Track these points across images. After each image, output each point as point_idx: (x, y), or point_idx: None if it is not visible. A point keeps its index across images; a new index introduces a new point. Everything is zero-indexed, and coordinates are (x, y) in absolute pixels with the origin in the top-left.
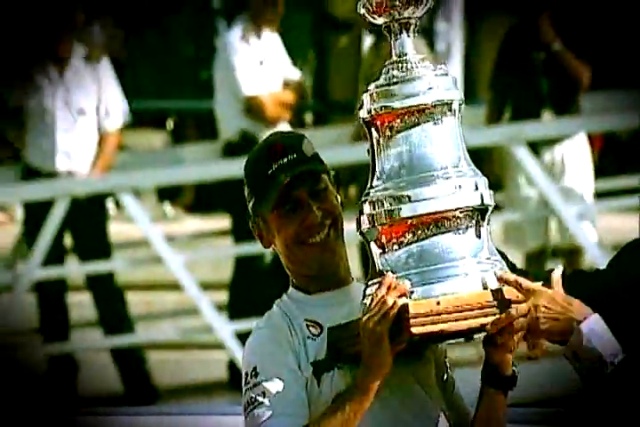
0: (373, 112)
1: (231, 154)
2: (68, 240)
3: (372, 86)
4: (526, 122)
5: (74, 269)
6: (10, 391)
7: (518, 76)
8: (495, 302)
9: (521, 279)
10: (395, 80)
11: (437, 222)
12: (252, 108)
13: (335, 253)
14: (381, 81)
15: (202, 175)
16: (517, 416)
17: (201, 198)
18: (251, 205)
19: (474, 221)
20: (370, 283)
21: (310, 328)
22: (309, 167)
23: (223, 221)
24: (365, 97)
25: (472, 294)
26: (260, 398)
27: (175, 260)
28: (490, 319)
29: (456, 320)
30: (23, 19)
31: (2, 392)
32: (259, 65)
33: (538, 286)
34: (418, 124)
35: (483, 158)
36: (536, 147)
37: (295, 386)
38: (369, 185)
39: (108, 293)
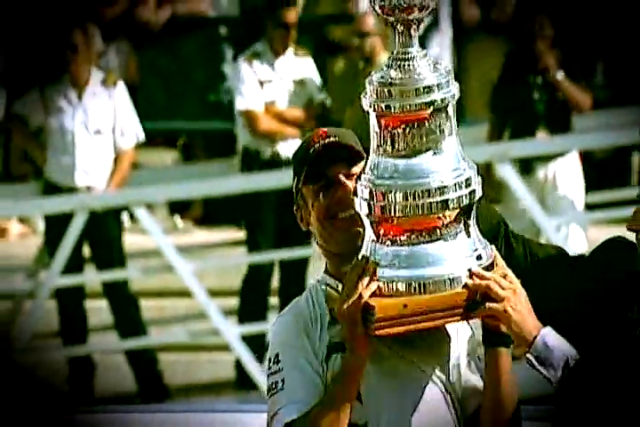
0: (373, 108)
1: (240, 170)
2: (86, 250)
3: (374, 78)
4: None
5: (91, 277)
6: (32, 390)
7: (516, 98)
8: (465, 302)
9: (496, 278)
10: (394, 81)
11: (430, 231)
12: (247, 123)
13: (363, 230)
14: (382, 78)
15: (210, 190)
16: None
17: (209, 212)
18: (294, 184)
19: (462, 225)
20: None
21: (333, 313)
22: (347, 150)
23: (230, 233)
24: (368, 87)
25: (444, 295)
26: (280, 385)
27: (185, 268)
28: (457, 319)
29: (422, 321)
30: (44, 45)
31: (25, 391)
32: (258, 84)
33: (513, 285)
34: (415, 126)
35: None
36: (530, 164)
37: (312, 374)
38: (367, 168)
39: (123, 299)
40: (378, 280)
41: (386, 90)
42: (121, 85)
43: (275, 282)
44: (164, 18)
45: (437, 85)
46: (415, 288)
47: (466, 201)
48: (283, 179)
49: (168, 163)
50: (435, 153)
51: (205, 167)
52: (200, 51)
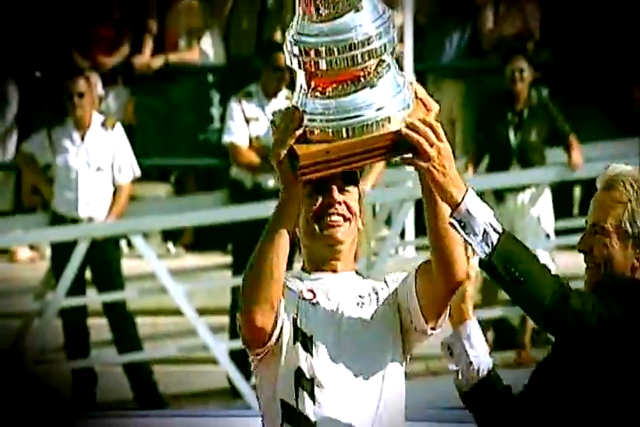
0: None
1: (232, 201)
2: (88, 274)
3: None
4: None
5: (93, 297)
6: (41, 397)
7: (494, 135)
8: (388, 144)
9: (428, 133)
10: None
11: (355, 81)
12: (230, 155)
13: (342, 244)
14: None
15: (199, 220)
16: None
17: (198, 239)
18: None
19: (384, 70)
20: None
21: (304, 293)
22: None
23: (217, 258)
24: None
25: (365, 138)
26: None
27: (177, 290)
28: (378, 159)
29: (345, 164)
30: (51, 90)
31: (34, 398)
32: (244, 121)
33: (442, 144)
34: None
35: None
36: (502, 193)
37: None
38: (294, 31)
39: (121, 317)
40: (306, 127)
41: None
42: (119, 127)
43: None
44: (158, 66)
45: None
46: (343, 134)
47: (389, 47)
48: (264, 210)
49: (162, 195)
50: (356, 11)
51: (195, 199)
52: (190, 95)
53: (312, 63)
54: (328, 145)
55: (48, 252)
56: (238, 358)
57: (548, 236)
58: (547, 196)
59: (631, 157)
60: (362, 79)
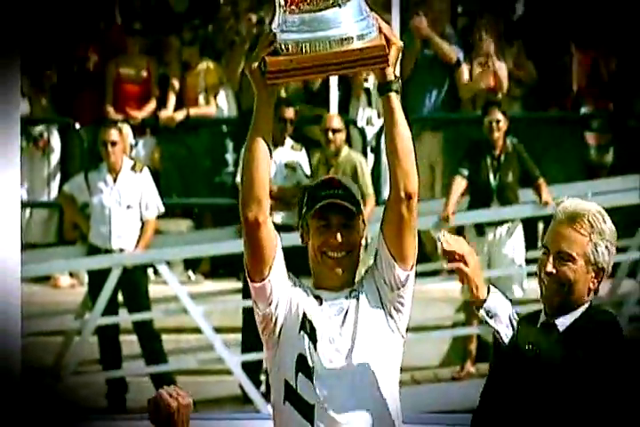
0: None
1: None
2: (120, 297)
3: None
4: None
5: (124, 317)
6: (79, 404)
7: (476, 177)
8: (346, 60)
9: (465, 250)
10: None
11: None
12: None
13: (343, 271)
14: None
15: (215, 251)
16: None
17: (215, 267)
18: (303, 211)
19: None
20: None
21: (312, 296)
22: (349, 205)
23: (230, 284)
24: None
25: (326, 53)
26: None
27: (196, 311)
28: (341, 72)
29: (308, 74)
30: (89, 142)
31: (73, 405)
32: None
33: (473, 252)
34: None
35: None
36: (482, 227)
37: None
38: None
39: (148, 334)
40: (282, 42)
41: None
42: (146, 171)
43: None
44: (180, 119)
45: None
46: (309, 48)
47: None
48: None
49: (183, 230)
50: None
51: (212, 233)
52: (207, 143)
53: None
54: (294, 56)
55: (86, 278)
56: (249, 369)
57: (520, 265)
58: (519, 230)
59: (584, 197)
60: None
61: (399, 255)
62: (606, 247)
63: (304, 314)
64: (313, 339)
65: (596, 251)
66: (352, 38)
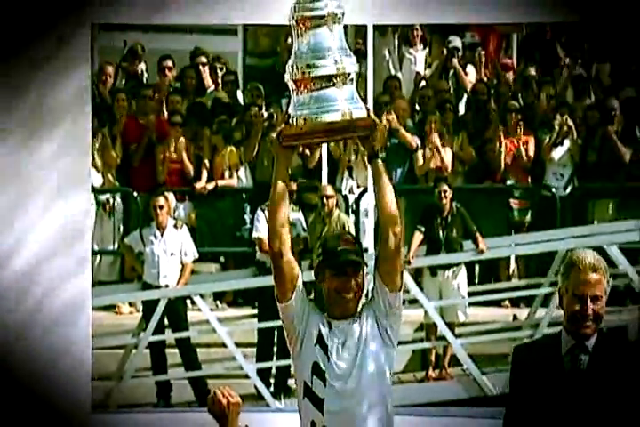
0: (296, 17)
1: (258, 274)
2: (166, 321)
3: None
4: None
5: (169, 336)
6: (135, 401)
7: (430, 232)
8: (343, 127)
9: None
10: (304, 0)
11: (329, 80)
12: (257, 245)
13: (351, 307)
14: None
15: (237, 286)
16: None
17: (236, 298)
18: (319, 259)
19: (348, 80)
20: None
21: (325, 321)
22: (359, 259)
23: (248, 311)
24: (290, 10)
25: (325, 122)
26: None
27: (223, 330)
28: (340, 138)
29: (315, 138)
30: (143, 206)
31: (130, 400)
32: (265, 224)
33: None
34: (320, 25)
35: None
36: (435, 269)
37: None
38: (292, 57)
39: (187, 348)
40: (295, 117)
41: (302, 6)
42: (185, 227)
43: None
44: (210, 188)
45: (332, 4)
46: (315, 119)
47: (352, 68)
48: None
49: (213, 271)
50: (329, 45)
51: (235, 273)
52: (230, 207)
53: (302, 77)
54: (303, 126)
55: (141, 307)
56: (262, 374)
57: (463, 297)
58: (463, 271)
59: (510, 247)
60: (333, 79)
61: (391, 283)
62: (608, 282)
63: (319, 332)
64: (325, 351)
65: (608, 286)
66: (346, 113)
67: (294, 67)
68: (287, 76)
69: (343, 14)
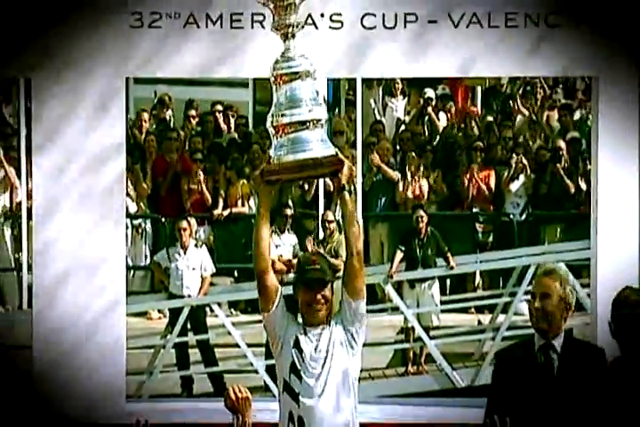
0: (274, 74)
1: None
2: (188, 325)
3: (274, 65)
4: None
5: (191, 337)
6: (163, 391)
7: (409, 251)
8: (315, 164)
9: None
10: (281, 60)
11: (302, 124)
12: None
13: (321, 315)
14: (278, 62)
15: (247, 296)
16: None
17: (247, 306)
18: (296, 277)
19: (319, 124)
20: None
21: (301, 328)
22: (325, 276)
23: (257, 317)
24: (270, 69)
25: (299, 160)
26: None
27: (236, 333)
28: (314, 173)
29: (291, 173)
30: (170, 230)
31: (159, 391)
32: (272, 246)
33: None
34: (294, 79)
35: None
36: (413, 282)
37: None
38: (272, 107)
39: (206, 348)
40: (275, 157)
41: (279, 66)
42: (204, 247)
43: None
44: (226, 214)
45: (305, 63)
46: (291, 158)
47: (323, 115)
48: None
49: (228, 283)
50: (302, 96)
51: (246, 285)
52: (243, 230)
53: (279, 123)
54: (281, 163)
55: (168, 313)
56: (269, 370)
57: (436, 305)
58: (436, 284)
59: (475, 264)
60: (306, 124)
61: (355, 294)
62: (570, 290)
63: (296, 337)
64: (300, 353)
65: (564, 290)
66: (317, 151)
67: (274, 115)
68: (268, 124)
69: (315, 71)
